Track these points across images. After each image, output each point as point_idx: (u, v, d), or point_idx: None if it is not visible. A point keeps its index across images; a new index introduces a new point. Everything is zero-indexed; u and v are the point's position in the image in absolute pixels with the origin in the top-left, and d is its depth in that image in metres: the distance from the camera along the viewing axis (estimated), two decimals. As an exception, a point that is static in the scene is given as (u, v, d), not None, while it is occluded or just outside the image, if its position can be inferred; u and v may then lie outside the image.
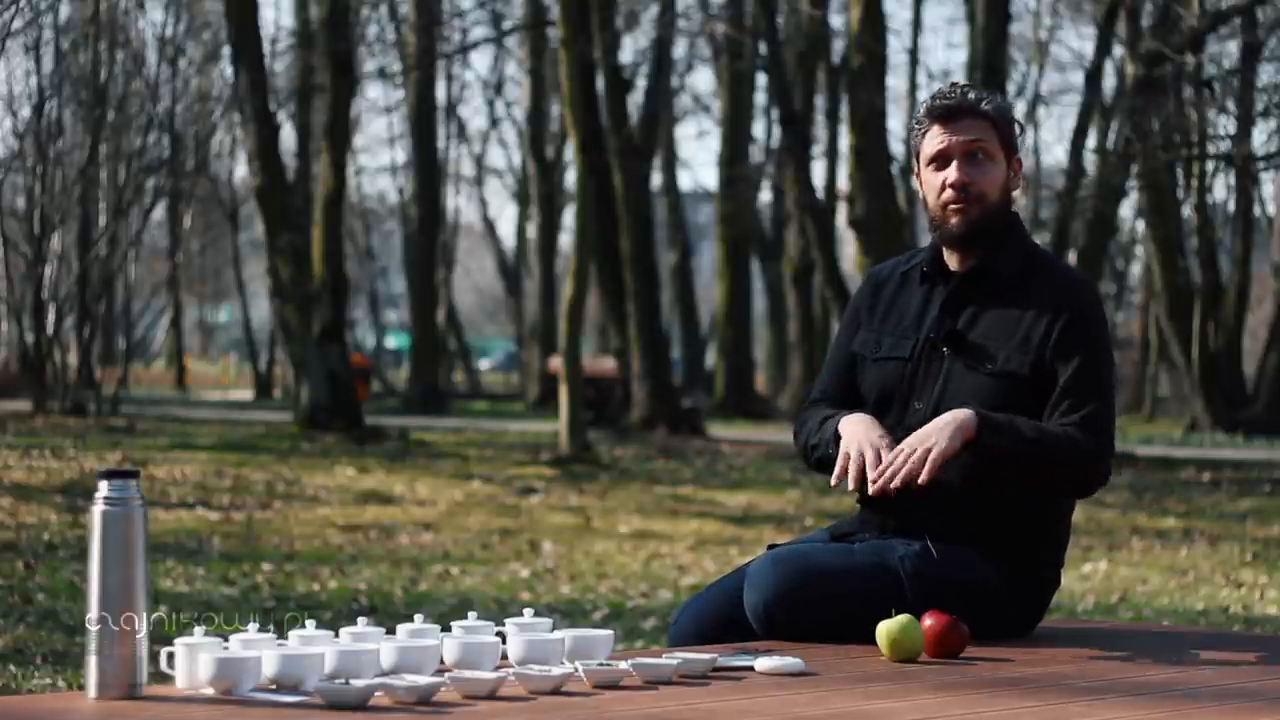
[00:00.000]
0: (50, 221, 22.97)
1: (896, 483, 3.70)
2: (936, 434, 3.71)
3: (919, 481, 3.68)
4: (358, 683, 2.91)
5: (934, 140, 3.93)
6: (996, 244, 3.94)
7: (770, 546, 3.96)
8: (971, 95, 3.94)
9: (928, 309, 3.98)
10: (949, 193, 3.91)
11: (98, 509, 2.96)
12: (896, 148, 23.64)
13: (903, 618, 3.50)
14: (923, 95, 32.78)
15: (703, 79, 71.83)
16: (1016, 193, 4.03)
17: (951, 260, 3.99)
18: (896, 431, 3.91)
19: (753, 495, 15.48)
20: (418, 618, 3.43)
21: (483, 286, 55.25)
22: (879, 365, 3.99)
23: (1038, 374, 3.84)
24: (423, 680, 2.96)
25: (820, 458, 3.96)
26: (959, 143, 3.91)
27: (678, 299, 33.99)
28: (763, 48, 25.29)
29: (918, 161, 3.99)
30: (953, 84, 4.05)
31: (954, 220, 3.92)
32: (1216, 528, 13.56)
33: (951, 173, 3.91)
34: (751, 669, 3.33)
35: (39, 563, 9.85)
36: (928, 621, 3.53)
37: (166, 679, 3.06)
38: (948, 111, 3.93)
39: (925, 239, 4.21)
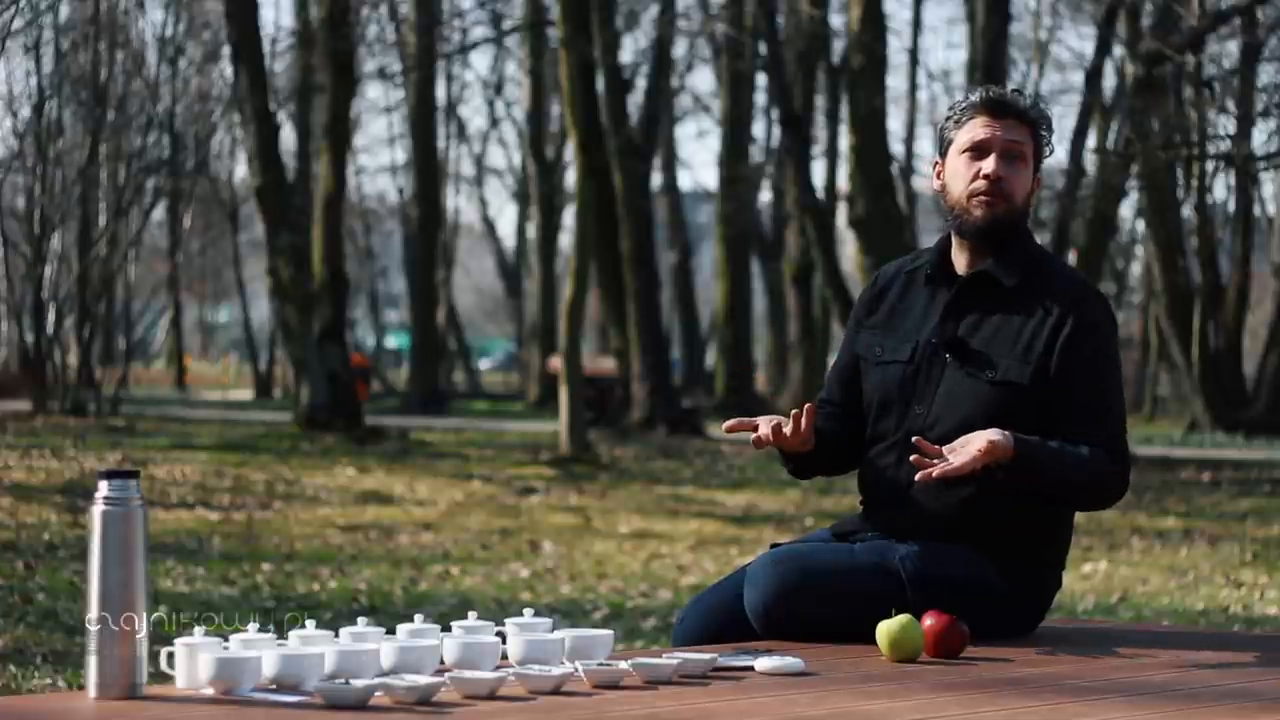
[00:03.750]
0: (50, 221, 22.96)
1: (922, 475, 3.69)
2: (964, 453, 3.68)
3: (917, 478, 3.70)
4: (358, 683, 2.91)
5: (976, 129, 3.91)
6: (1005, 249, 3.93)
7: (773, 546, 3.96)
8: (1024, 101, 3.96)
9: (930, 312, 3.97)
10: (981, 183, 3.89)
11: (98, 509, 2.96)
12: (896, 148, 23.68)
13: (903, 618, 3.50)
14: (923, 95, 32.95)
15: (703, 79, 71.74)
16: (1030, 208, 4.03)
17: (959, 262, 3.98)
18: (897, 435, 3.91)
19: (753, 495, 15.47)
20: (418, 618, 3.43)
21: (483, 286, 55.22)
22: (881, 368, 3.99)
23: (1038, 384, 3.83)
24: (423, 680, 2.96)
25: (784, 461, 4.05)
26: (1002, 139, 3.90)
27: (678, 299, 33.99)
28: (763, 48, 25.27)
29: (944, 151, 3.97)
30: (1012, 89, 4.06)
31: (979, 212, 3.90)
32: (1216, 528, 13.55)
33: (989, 164, 3.89)
34: (751, 669, 3.33)
35: (39, 563, 9.85)
36: (928, 621, 3.52)
37: (166, 679, 3.06)
38: (998, 106, 3.92)
39: (925, 239, 4.20)
